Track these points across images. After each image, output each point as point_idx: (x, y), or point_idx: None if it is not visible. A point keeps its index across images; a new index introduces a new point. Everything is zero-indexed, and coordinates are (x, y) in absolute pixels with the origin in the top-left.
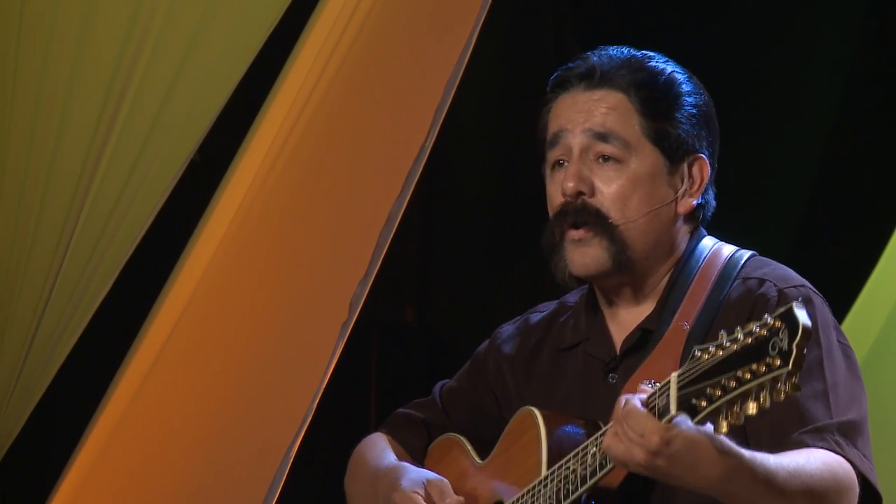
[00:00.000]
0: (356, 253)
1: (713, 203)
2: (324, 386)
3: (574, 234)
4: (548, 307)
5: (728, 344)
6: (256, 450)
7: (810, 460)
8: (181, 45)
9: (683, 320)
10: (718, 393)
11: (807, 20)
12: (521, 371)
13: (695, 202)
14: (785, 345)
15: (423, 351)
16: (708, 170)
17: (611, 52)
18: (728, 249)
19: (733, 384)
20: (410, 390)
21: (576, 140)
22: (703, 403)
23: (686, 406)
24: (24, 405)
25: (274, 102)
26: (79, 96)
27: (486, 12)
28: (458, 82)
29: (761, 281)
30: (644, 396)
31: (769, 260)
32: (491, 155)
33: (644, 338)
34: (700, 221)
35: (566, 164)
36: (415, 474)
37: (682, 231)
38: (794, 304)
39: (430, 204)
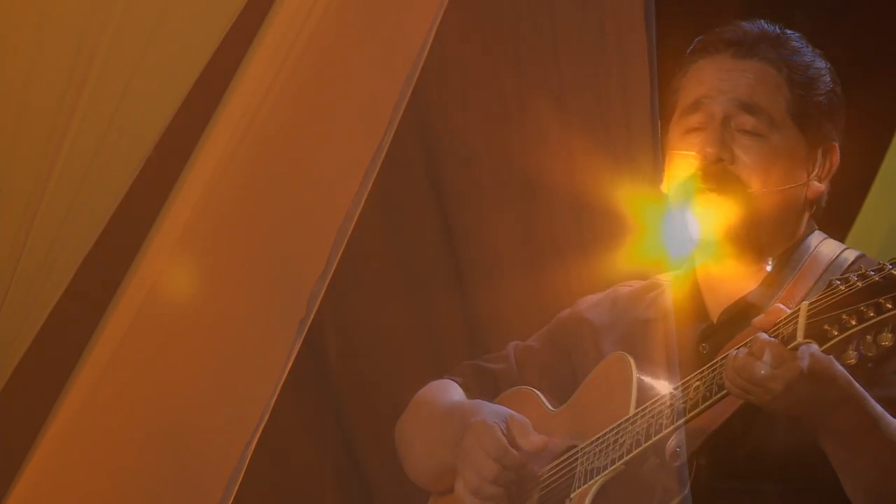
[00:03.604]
0: (313, 251)
1: (825, 196)
2: (281, 383)
3: (708, 196)
4: (637, 283)
5: (872, 274)
6: (212, 449)
7: None
8: (136, 47)
9: (787, 300)
10: (854, 321)
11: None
12: (603, 338)
13: (823, 188)
14: None
15: None
16: (838, 158)
17: (762, 24)
18: (837, 244)
19: (872, 313)
20: None
21: (719, 107)
22: (835, 331)
23: (815, 332)
24: None
25: (228, 102)
26: (35, 96)
27: (443, 11)
28: (415, 80)
29: None
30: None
31: (879, 260)
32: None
33: (745, 311)
34: (814, 212)
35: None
36: (495, 407)
37: (805, 216)
38: None
39: (446, 203)
